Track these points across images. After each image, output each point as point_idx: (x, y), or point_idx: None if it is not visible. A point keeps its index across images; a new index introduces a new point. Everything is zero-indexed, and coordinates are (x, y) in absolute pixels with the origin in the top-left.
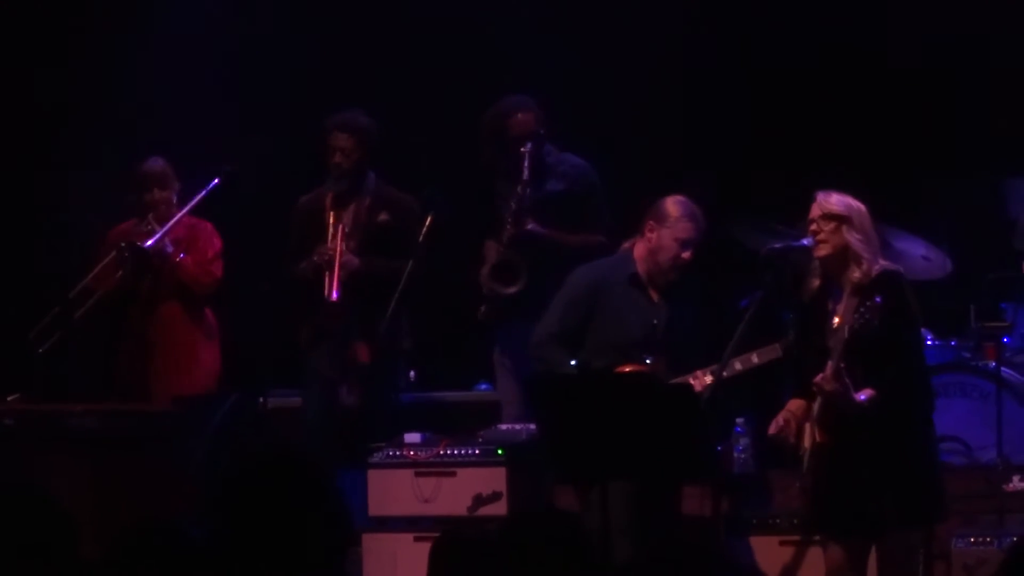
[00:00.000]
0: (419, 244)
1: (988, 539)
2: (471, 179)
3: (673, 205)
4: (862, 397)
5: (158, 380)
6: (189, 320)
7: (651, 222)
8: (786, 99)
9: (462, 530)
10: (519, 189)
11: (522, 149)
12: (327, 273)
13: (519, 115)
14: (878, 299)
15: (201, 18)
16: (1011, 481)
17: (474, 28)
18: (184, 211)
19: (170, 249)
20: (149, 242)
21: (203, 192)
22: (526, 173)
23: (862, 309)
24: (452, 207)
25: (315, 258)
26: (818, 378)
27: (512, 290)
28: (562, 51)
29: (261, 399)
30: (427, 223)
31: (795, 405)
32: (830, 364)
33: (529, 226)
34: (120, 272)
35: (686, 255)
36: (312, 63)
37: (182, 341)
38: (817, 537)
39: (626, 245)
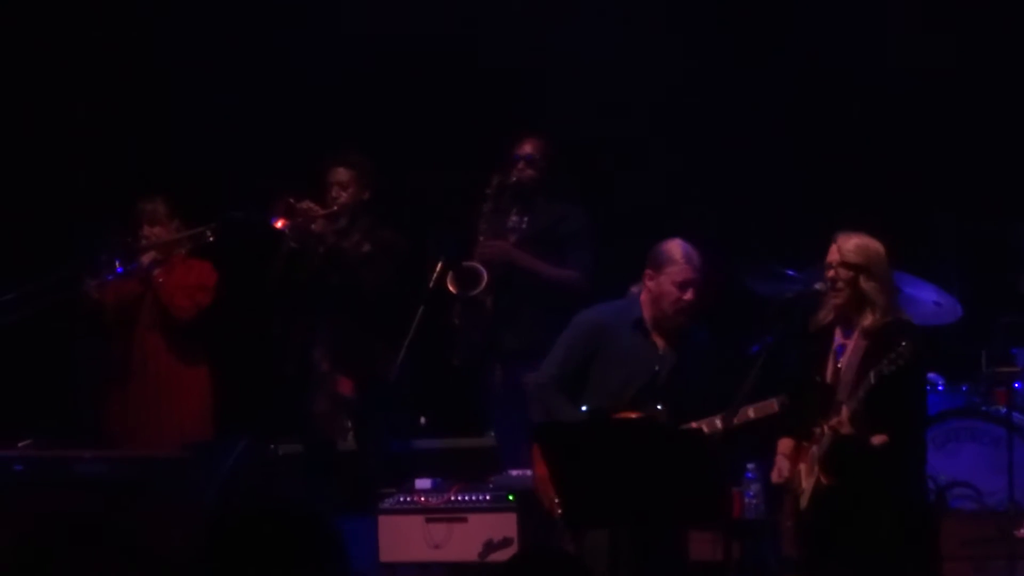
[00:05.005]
0: (429, 289)
1: None
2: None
3: (668, 250)
4: (875, 442)
5: (144, 409)
6: (172, 351)
7: (649, 270)
8: (794, 142)
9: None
10: (485, 207)
11: (513, 168)
12: None
13: (526, 140)
14: (904, 343)
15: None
16: (1022, 526)
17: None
18: (176, 237)
19: (155, 270)
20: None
21: (199, 229)
22: (489, 187)
23: (892, 355)
24: (463, 251)
25: None
26: (833, 422)
27: (474, 292)
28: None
29: (272, 445)
30: (438, 268)
31: (785, 446)
32: (845, 409)
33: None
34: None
35: (687, 296)
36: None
37: (166, 373)
38: None
39: (634, 289)
